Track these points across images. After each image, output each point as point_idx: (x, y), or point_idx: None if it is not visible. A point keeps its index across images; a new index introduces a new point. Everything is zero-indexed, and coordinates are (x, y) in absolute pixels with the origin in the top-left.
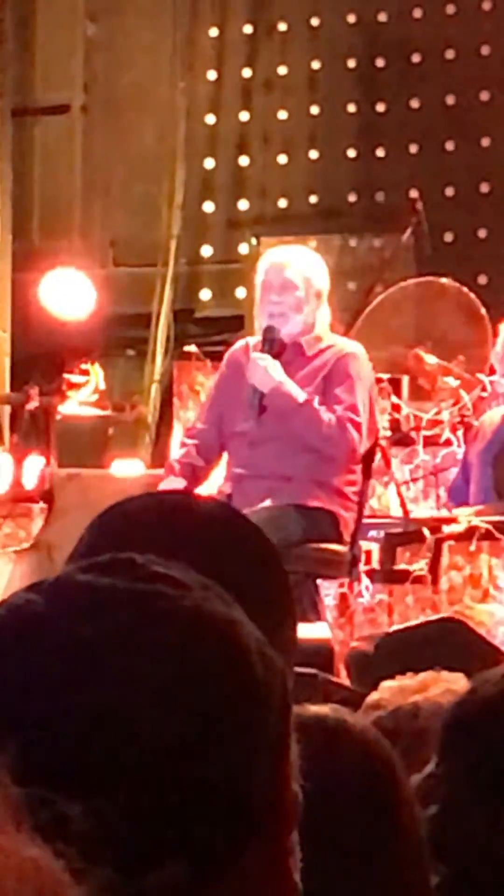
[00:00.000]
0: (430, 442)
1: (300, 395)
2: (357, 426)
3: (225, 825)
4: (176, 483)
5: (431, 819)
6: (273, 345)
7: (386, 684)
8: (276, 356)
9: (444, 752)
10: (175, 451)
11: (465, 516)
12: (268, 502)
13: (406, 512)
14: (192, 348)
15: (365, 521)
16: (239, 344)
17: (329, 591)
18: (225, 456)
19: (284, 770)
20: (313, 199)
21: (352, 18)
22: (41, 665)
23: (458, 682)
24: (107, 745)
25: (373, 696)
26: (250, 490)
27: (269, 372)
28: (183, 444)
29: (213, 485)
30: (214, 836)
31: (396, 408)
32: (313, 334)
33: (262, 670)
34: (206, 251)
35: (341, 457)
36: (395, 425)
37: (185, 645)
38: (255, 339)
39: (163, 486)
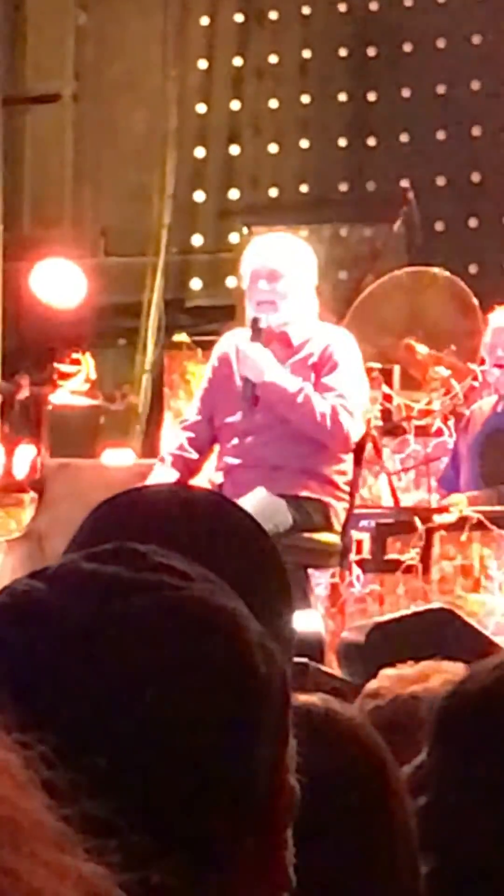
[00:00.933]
0: (422, 432)
1: (293, 384)
2: (349, 413)
3: (225, 817)
4: (168, 475)
5: (421, 809)
6: (261, 335)
7: (385, 673)
8: (264, 345)
9: (435, 742)
10: (168, 443)
11: (456, 504)
12: (260, 491)
13: (397, 501)
14: (182, 338)
15: (356, 510)
16: (228, 335)
17: (320, 580)
18: (217, 447)
19: (283, 763)
20: (304, 188)
21: (343, 7)
22: (45, 651)
23: (457, 672)
24: (108, 734)
25: (372, 685)
26: (241, 480)
27: (259, 362)
28: (176, 437)
29: (204, 475)
30: (215, 827)
31: (388, 397)
32: (300, 323)
33: (263, 663)
34: (197, 240)
35: (335, 446)
36: (386, 415)
37: (189, 635)
38: (243, 331)
39: (154, 478)
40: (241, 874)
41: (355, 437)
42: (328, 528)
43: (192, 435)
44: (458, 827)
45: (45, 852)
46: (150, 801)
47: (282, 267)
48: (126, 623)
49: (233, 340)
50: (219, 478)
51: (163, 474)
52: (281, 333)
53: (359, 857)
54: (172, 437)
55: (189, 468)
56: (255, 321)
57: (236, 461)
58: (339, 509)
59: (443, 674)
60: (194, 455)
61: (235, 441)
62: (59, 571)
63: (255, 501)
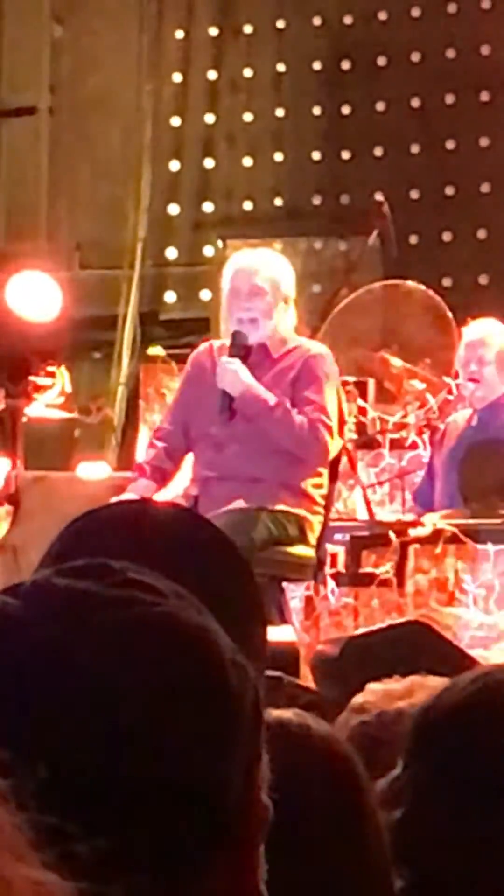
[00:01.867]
0: (396, 445)
1: (271, 399)
2: (328, 428)
3: (195, 833)
4: (146, 485)
5: (396, 823)
6: (241, 350)
7: (371, 687)
8: (243, 361)
9: (410, 755)
10: (143, 453)
11: (433, 521)
12: (239, 503)
13: (372, 515)
14: (158, 350)
15: (331, 524)
16: (202, 346)
17: (295, 594)
18: (190, 458)
19: (255, 779)
20: (278, 201)
21: (317, 21)
22: (17, 667)
23: (436, 687)
24: (76, 750)
25: (357, 700)
26: (217, 492)
27: (238, 376)
28: (152, 446)
29: (177, 487)
30: (184, 844)
31: (362, 411)
32: (279, 336)
33: (235, 679)
34: (172, 253)
35: (314, 459)
36: (360, 428)
37: (161, 652)
38: (219, 342)
39: (132, 489)
40: (210, 891)
41: (334, 451)
42: (303, 541)
43: (166, 445)
44: (432, 841)
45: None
46: (120, 816)
47: (265, 284)
48: (98, 639)
49: (207, 351)
50: (194, 490)
51: (143, 486)
52: (260, 346)
53: (332, 873)
54: (148, 446)
55: (164, 478)
56: (235, 336)
57: (213, 473)
58: (314, 522)
59: (428, 689)
60: (169, 465)
61: (212, 453)
62: (32, 587)
63: (231, 514)
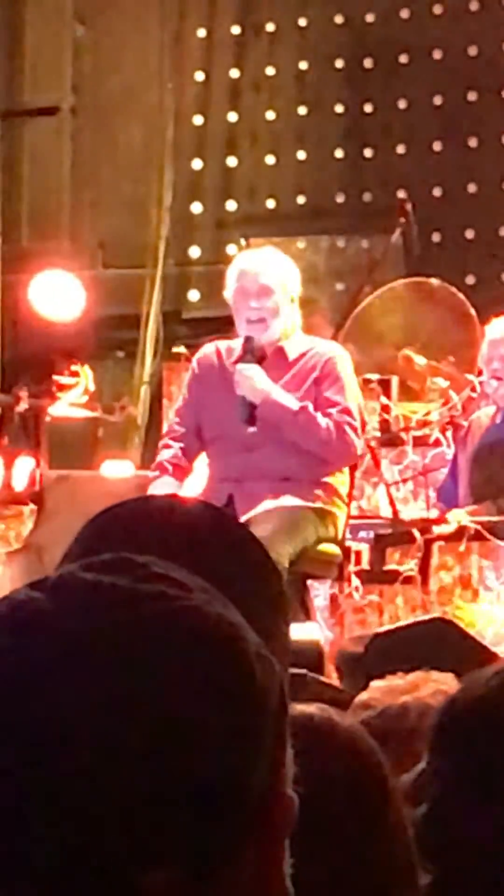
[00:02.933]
0: (420, 442)
1: (293, 404)
2: (354, 429)
3: (221, 828)
4: (169, 484)
5: (421, 818)
6: (254, 354)
7: (375, 684)
8: (258, 364)
9: (435, 750)
10: (161, 452)
11: (457, 518)
12: (285, 500)
13: (395, 512)
14: (181, 349)
15: (355, 521)
16: (208, 347)
17: (319, 591)
18: (204, 458)
19: (280, 773)
20: (301, 199)
21: (339, 19)
22: (44, 661)
23: (447, 683)
24: (105, 743)
25: (362, 696)
26: (253, 492)
27: (256, 383)
28: (167, 446)
29: (196, 486)
30: (210, 838)
31: (386, 408)
32: (293, 338)
33: (261, 674)
34: (195, 252)
35: (342, 461)
36: (384, 426)
37: (187, 646)
38: (225, 344)
39: (155, 487)
40: (237, 885)
41: (360, 451)
42: (332, 538)
43: (183, 445)
44: (457, 835)
45: None
46: (143, 809)
47: (272, 283)
48: (125, 633)
49: (214, 350)
50: (226, 489)
51: (166, 484)
52: (276, 349)
53: (357, 867)
54: (163, 446)
55: (184, 478)
56: (246, 340)
57: (245, 474)
58: (340, 518)
59: (433, 684)
60: (186, 464)
61: (242, 455)
62: (58, 581)
63: (281, 516)
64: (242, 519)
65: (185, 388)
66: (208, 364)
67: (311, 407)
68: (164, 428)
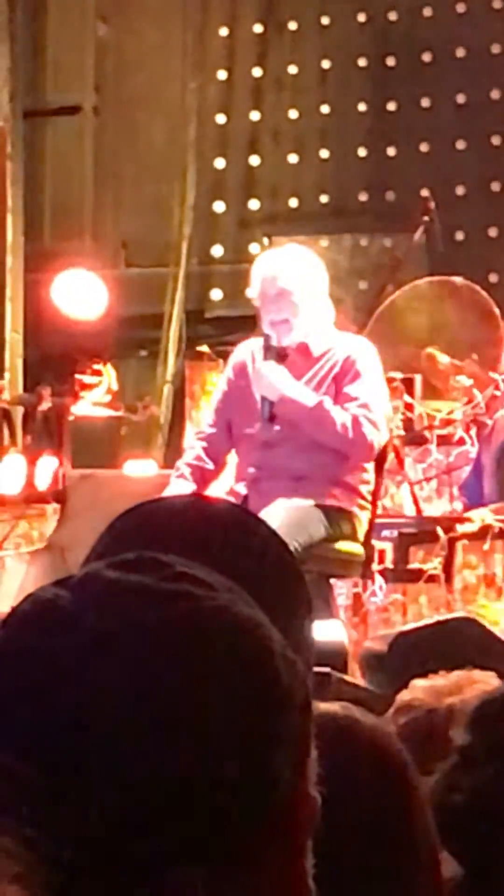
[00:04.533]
0: (444, 441)
1: (310, 399)
2: (373, 423)
3: (244, 826)
4: (184, 486)
5: (456, 809)
6: (274, 352)
7: (418, 683)
8: (279, 362)
9: (468, 744)
10: (185, 454)
11: (481, 517)
12: (294, 500)
13: (419, 511)
14: (203, 348)
15: (378, 520)
16: (241, 346)
17: (342, 590)
18: (234, 457)
19: (304, 773)
20: (324, 198)
21: (362, 17)
22: (69, 659)
23: (490, 682)
24: (129, 741)
25: (404, 696)
26: (266, 490)
27: (274, 380)
28: (191, 447)
29: (223, 486)
30: (233, 837)
31: (409, 407)
32: (318, 334)
33: (286, 674)
34: (217, 251)
35: (359, 455)
36: (408, 424)
37: (212, 645)
38: (259, 343)
39: (170, 489)
40: (260, 884)
41: (378, 446)
42: (352, 537)
43: (207, 445)
44: (496, 824)
45: None
46: (170, 807)
47: (289, 284)
48: (150, 631)
49: (248, 350)
50: (242, 488)
51: (180, 487)
52: (300, 345)
53: (379, 866)
54: (188, 447)
55: (205, 479)
56: (266, 339)
57: (260, 472)
58: (362, 518)
59: (478, 685)
60: (210, 465)
61: (259, 452)
62: (83, 580)
63: (289, 511)
64: None
65: (219, 387)
66: (240, 363)
67: (328, 401)
68: (187, 427)
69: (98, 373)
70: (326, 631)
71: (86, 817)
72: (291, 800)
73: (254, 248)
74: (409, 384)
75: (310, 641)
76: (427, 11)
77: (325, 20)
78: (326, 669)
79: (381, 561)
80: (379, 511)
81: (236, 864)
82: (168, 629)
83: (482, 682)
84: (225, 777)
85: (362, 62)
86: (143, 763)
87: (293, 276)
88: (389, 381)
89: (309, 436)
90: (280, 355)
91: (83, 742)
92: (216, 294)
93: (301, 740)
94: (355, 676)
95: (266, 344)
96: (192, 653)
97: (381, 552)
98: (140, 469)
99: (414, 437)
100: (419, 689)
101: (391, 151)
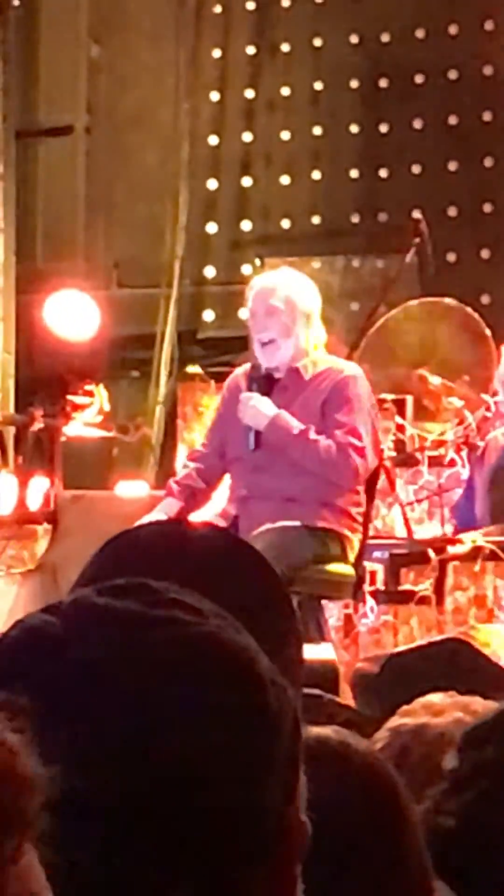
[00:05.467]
0: (435, 462)
1: (294, 427)
2: (359, 450)
3: (234, 853)
4: (173, 505)
5: (449, 833)
6: (260, 383)
7: (408, 707)
8: (265, 392)
9: (460, 766)
10: (177, 474)
11: (472, 538)
12: (281, 522)
13: (410, 532)
14: (195, 369)
15: (370, 541)
16: (239, 370)
17: (333, 611)
18: (227, 479)
19: (294, 800)
20: (316, 219)
21: (354, 39)
22: (57, 687)
23: (476, 705)
24: (119, 769)
25: (395, 720)
26: (256, 511)
27: (259, 410)
28: (184, 467)
29: (215, 507)
30: (223, 864)
31: (401, 428)
32: (309, 357)
33: (275, 701)
34: (210, 272)
35: (344, 482)
36: (399, 446)
37: (202, 672)
38: (256, 363)
39: (160, 508)
40: None
41: (364, 472)
42: (342, 559)
43: (200, 466)
44: (491, 846)
45: None
46: (155, 835)
47: (280, 304)
48: (139, 658)
49: (243, 373)
50: (233, 510)
51: (168, 505)
52: (291, 369)
53: (372, 891)
54: (181, 467)
55: (196, 498)
56: (253, 369)
57: (251, 493)
58: (353, 540)
59: (467, 707)
60: (201, 485)
61: (249, 474)
62: (72, 606)
63: (275, 533)
64: None
65: (215, 409)
66: (234, 386)
67: (312, 430)
68: (179, 448)
69: (90, 393)
70: (318, 652)
71: (77, 847)
72: (281, 825)
73: (246, 269)
74: (400, 405)
75: (300, 667)
76: (419, 33)
77: (317, 42)
78: (317, 691)
79: (373, 582)
80: (370, 532)
81: (227, 890)
82: (156, 657)
83: (472, 704)
84: (215, 803)
85: (354, 84)
86: (132, 792)
87: (284, 297)
88: (381, 402)
89: (294, 461)
90: (267, 383)
91: (71, 772)
92: (208, 315)
93: (291, 766)
94: (346, 698)
95: (251, 374)
96: (180, 680)
97: (373, 573)
98: (132, 490)
99: (405, 458)
100: (409, 711)
101: (383, 173)
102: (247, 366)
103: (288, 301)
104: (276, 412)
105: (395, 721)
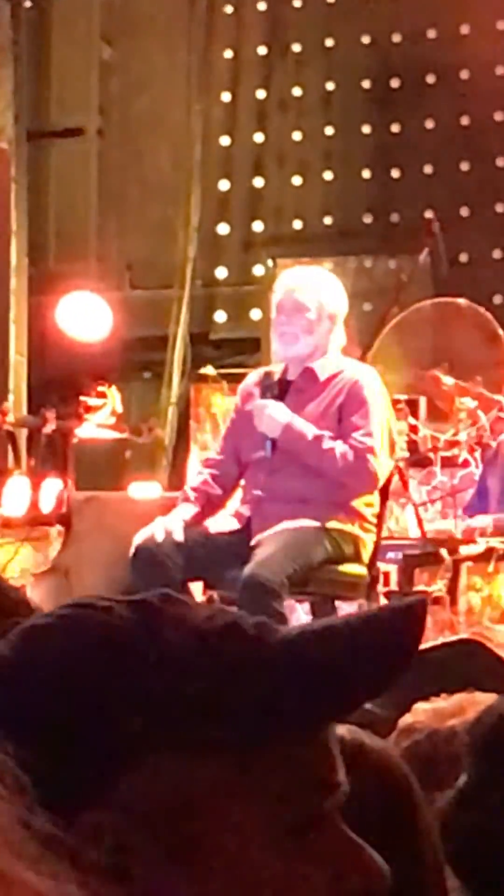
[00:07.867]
0: (448, 463)
1: (311, 432)
2: (375, 453)
3: None
4: (190, 509)
5: (464, 832)
6: (273, 389)
7: (420, 707)
8: (279, 397)
9: (472, 764)
10: (191, 478)
11: (483, 526)
12: (297, 522)
13: (424, 533)
14: (208, 370)
15: (383, 542)
16: (251, 377)
17: (347, 612)
18: (242, 482)
19: None
20: (328, 220)
21: (366, 39)
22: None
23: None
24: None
25: (406, 720)
26: (270, 512)
27: (273, 417)
28: (199, 473)
29: (228, 509)
30: None
31: (414, 429)
32: (326, 358)
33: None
34: (222, 273)
35: (361, 486)
36: (412, 446)
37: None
38: (266, 370)
39: (177, 512)
40: None
41: (381, 476)
42: (356, 559)
43: (216, 472)
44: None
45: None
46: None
47: (307, 301)
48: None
49: (257, 377)
50: (246, 511)
51: (184, 509)
52: (306, 370)
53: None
54: (196, 472)
55: (211, 503)
56: (266, 376)
57: (264, 494)
58: (367, 541)
59: (479, 706)
60: (217, 490)
61: (263, 476)
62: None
63: (288, 534)
64: (254, 540)
65: (229, 414)
66: (247, 394)
67: (327, 436)
68: (192, 450)
69: (102, 395)
70: None
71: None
72: None
73: (258, 269)
74: (413, 406)
75: None
76: (431, 33)
77: (329, 42)
78: None
79: (386, 583)
80: (384, 533)
81: None
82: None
83: (483, 703)
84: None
85: (366, 84)
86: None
87: (312, 294)
88: (394, 402)
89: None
90: (280, 388)
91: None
92: (220, 316)
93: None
94: None
95: (263, 382)
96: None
97: (386, 574)
98: (144, 491)
99: (418, 458)
100: (421, 712)
101: (395, 173)
102: (260, 371)
103: (316, 299)
104: (289, 420)
105: (409, 720)
